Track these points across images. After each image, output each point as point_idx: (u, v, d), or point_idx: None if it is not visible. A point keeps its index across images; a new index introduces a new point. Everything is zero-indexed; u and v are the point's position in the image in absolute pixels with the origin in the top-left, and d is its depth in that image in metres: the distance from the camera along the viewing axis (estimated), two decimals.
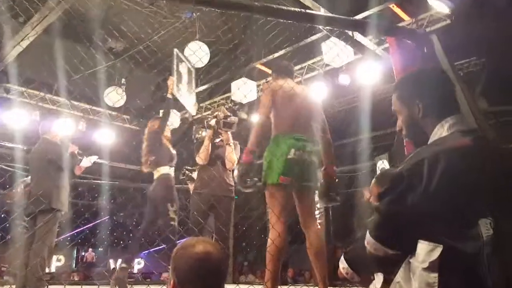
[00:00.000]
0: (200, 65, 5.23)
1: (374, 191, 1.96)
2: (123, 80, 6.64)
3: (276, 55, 6.08)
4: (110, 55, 6.20)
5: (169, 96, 3.46)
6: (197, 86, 6.97)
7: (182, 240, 1.30)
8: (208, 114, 7.03)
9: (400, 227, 1.08)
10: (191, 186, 4.05)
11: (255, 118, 2.79)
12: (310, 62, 6.39)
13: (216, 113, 3.52)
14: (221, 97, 7.46)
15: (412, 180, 1.06)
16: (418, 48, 2.80)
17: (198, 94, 7.28)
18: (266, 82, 2.68)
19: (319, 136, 2.61)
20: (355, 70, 5.83)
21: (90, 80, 5.81)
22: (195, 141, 3.53)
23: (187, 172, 4.30)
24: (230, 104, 7.45)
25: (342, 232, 6.34)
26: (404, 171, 1.09)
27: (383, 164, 5.95)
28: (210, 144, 3.37)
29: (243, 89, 5.91)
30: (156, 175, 3.47)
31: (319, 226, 2.59)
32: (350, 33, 4.00)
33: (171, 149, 3.55)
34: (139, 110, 7.76)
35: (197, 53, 4.52)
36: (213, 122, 3.43)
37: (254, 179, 2.46)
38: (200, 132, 3.48)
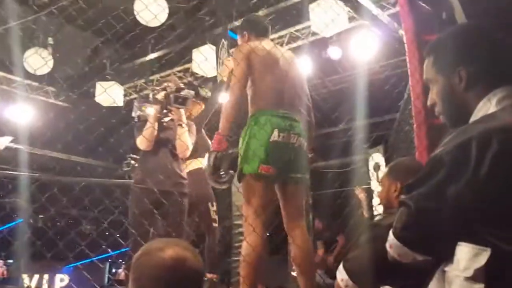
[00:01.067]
0: (155, 23, 5.00)
1: (387, 184, 1.96)
2: (49, 40, 6.32)
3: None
4: (33, 6, 5.84)
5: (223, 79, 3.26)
6: (146, 53, 6.80)
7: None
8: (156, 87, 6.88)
9: (436, 226, 1.05)
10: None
11: (226, 94, 2.68)
12: (292, 29, 6.37)
13: (166, 84, 3.41)
14: (178, 68, 7.38)
15: (455, 166, 1.03)
16: (436, 14, 2.83)
17: (147, 64, 7.11)
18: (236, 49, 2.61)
19: (302, 117, 2.61)
20: (348, 41, 5.86)
21: (3, 39, 5.51)
22: (136, 120, 3.38)
23: (132, 161, 4.14)
24: (189, 78, 7.31)
25: (326, 236, 6.35)
26: (444, 154, 1.06)
27: (375, 160, 6.00)
28: (157, 124, 3.29)
29: (208, 60, 5.75)
30: (187, 168, 3.51)
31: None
32: None
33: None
34: (69, 81, 7.39)
35: (152, 8, 4.29)
36: (161, 95, 3.32)
37: (229, 172, 2.41)
38: (143, 108, 3.32)
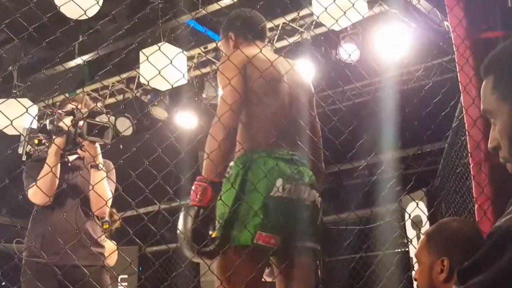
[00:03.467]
0: (91, 13, 4.98)
1: (427, 260, 2.03)
2: None
3: (222, 3, 6.03)
4: None
5: None
6: (73, 56, 6.79)
7: None
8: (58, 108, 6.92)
9: None
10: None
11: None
12: (287, 18, 6.42)
13: (72, 105, 3.38)
14: (117, 78, 7.42)
15: None
16: (496, 1, 2.99)
17: (73, 71, 7.10)
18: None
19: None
20: (369, 37, 5.93)
21: None
22: (24, 157, 3.35)
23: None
24: (133, 92, 7.29)
25: None
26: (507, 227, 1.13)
27: (416, 210, 5.94)
28: (59, 166, 3.26)
29: (161, 64, 5.70)
30: None
31: None
32: None
33: None
34: None
35: None
36: (66, 122, 3.23)
37: (217, 238, 2.40)
38: (35, 142, 3.30)
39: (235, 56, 2.57)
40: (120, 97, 7.68)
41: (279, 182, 2.46)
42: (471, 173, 2.78)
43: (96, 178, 3.24)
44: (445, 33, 3.57)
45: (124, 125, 3.97)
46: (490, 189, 2.67)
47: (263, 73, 2.52)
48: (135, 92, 7.45)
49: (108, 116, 3.27)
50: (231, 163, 2.55)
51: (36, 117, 7.43)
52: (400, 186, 6.32)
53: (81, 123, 3.19)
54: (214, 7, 6.15)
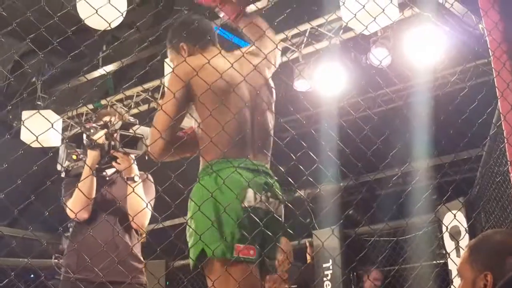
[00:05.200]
0: (114, 24, 5.05)
1: (469, 275, 2.02)
2: None
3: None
4: None
5: None
6: (96, 67, 6.85)
7: None
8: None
9: None
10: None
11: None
12: (314, 23, 6.40)
13: (107, 118, 3.42)
14: (144, 86, 7.45)
15: None
16: None
17: (98, 82, 7.16)
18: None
19: None
20: (399, 39, 5.89)
21: None
22: (63, 174, 3.39)
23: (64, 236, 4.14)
24: (158, 102, 7.30)
25: None
26: None
27: (455, 221, 5.86)
28: (95, 180, 3.28)
29: None
30: None
31: None
32: None
33: None
34: None
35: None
36: (100, 136, 3.29)
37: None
38: (73, 157, 3.34)
39: (181, 68, 2.57)
40: (145, 107, 7.73)
41: (249, 192, 2.47)
42: (511, 182, 2.73)
43: (132, 191, 3.24)
44: (480, 36, 3.52)
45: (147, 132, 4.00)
46: None
47: (216, 81, 2.50)
48: (161, 101, 7.49)
49: (140, 127, 3.27)
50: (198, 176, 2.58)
51: (61, 129, 7.55)
52: (436, 195, 6.25)
53: (115, 136, 3.23)
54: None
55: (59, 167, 3.39)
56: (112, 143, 3.24)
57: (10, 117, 7.48)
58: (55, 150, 3.47)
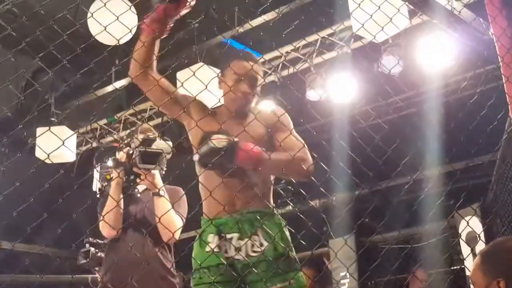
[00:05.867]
0: (124, 39, 5.08)
1: (482, 282, 2.03)
2: None
3: (258, 20, 6.08)
4: None
5: None
6: (109, 81, 6.88)
7: None
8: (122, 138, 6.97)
9: None
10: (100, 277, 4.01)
11: None
12: (324, 33, 6.43)
13: (127, 139, 3.56)
14: None
15: None
16: None
17: (111, 96, 7.19)
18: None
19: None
20: (410, 46, 5.92)
21: None
22: (98, 194, 3.51)
23: (92, 249, 4.30)
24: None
25: None
26: None
27: (469, 227, 5.83)
28: (121, 197, 3.36)
29: (198, 84, 5.76)
30: None
31: None
32: None
33: None
34: None
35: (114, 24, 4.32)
36: (121, 154, 3.41)
37: None
38: (107, 177, 3.47)
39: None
40: (158, 120, 7.76)
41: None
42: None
43: (159, 205, 3.33)
44: (489, 42, 3.52)
45: (163, 146, 4.08)
46: None
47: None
48: None
49: (161, 142, 3.37)
50: None
51: (75, 144, 7.59)
52: (452, 201, 6.22)
53: (135, 152, 3.30)
54: (248, 26, 6.24)
55: (94, 187, 3.51)
56: (134, 160, 3.30)
57: (25, 134, 7.52)
58: (69, 165, 3.56)
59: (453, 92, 6.56)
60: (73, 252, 4.28)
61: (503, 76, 2.85)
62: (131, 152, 3.33)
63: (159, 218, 3.14)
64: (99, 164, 3.53)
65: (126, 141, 3.49)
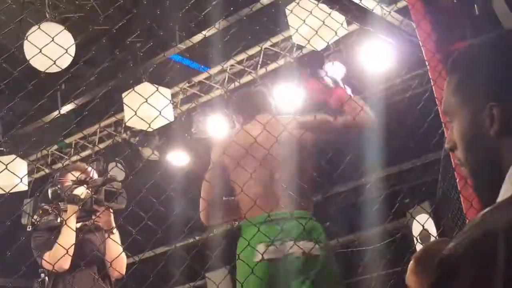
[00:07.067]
0: (63, 65, 5.08)
1: (414, 283, 2.07)
2: None
3: (201, 35, 6.13)
4: None
5: None
6: (55, 106, 6.84)
7: None
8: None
9: None
10: None
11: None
12: (267, 44, 6.47)
13: (73, 173, 3.62)
14: (104, 123, 7.52)
15: (473, 270, 1.03)
16: (463, 11, 2.95)
17: (58, 121, 7.14)
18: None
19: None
20: (352, 52, 6.03)
21: None
22: (29, 227, 3.58)
23: (47, 279, 4.20)
24: (123, 135, 7.33)
25: None
26: (457, 254, 1.07)
27: (422, 224, 5.96)
28: (74, 233, 3.43)
29: (145, 104, 5.77)
30: None
31: None
32: None
33: None
34: None
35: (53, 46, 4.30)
36: (81, 191, 3.47)
37: None
38: (41, 211, 3.55)
39: (216, 148, 3.02)
40: (109, 142, 7.75)
41: (260, 247, 2.65)
42: (458, 188, 2.79)
43: (111, 243, 3.47)
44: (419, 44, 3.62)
45: (116, 171, 4.18)
46: (478, 202, 2.58)
47: (234, 151, 2.85)
48: (124, 134, 7.51)
49: (117, 183, 3.49)
50: None
51: (26, 173, 7.50)
52: (408, 199, 6.33)
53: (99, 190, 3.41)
54: (196, 38, 6.25)
55: (24, 221, 3.60)
56: (95, 197, 3.40)
57: None
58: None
59: (397, 93, 6.66)
60: (29, 282, 4.25)
61: (431, 80, 2.91)
62: (93, 190, 3.42)
63: (112, 256, 3.30)
64: (34, 197, 3.61)
65: (78, 177, 3.55)
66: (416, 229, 6.12)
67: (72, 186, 3.52)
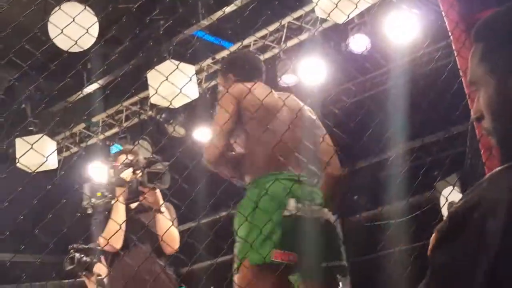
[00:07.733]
0: (87, 45, 5.12)
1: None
2: None
3: (227, 10, 6.13)
4: None
5: None
6: (81, 85, 6.90)
7: None
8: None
9: None
10: (88, 283, 4.11)
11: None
12: (290, 18, 6.47)
13: (128, 158, 3.76)
14: (130, 101, 7.52)
15: (479, 226, 1.08)
16: None
17: (85, 100, 7.20)
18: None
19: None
20: (377, 24, 5.97)
21: None
22: (90, 210, 3.84)
23: (77, 254, 4.27)
24: (149, 113, 7.36)
25: None
26: (464, 207, 1.12)
27: (451, 195, 5.91)
28: (124, 214, 3.60)
29: (171, 82, 5.78)
30: None
31: None
32: None
33: None
34: None
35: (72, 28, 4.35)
36: (127, 174, 3.62)
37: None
38: (98, 194, 3.80)
39: (233, 87, 2.84)
40: (135, 120, 7.81)
41: (291, 202, 2.59)
42: (482, 159, 2.76)
43: (161, 220, 3.59)
44: None
45: (144, 149, 4.36)
46: None
47: (260, 106, 2.73)
48: (150, 112, 7.55)
49: (162, 163, 3.58)
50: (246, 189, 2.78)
51: (56, 151, 7.61)
52: (436, 172, 6.26)
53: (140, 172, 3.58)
54: (218, 14, 6.27)
55: (84, 203, 3.84)
56: (140, 179, 3.56)
57: (5, 146, 7.53)
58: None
59: (421, 65, 6.59)
60: (59, 258, 4.35)
61: (454, 51, 2.87)
62: (136, 170, 3.60)
63: (163, 233, 3.41)
64: (91, 182, 3.81)
65: (123, 162, 3.71)
66: (444, 202, 6.09)
67: (120, 169, 3.69)
